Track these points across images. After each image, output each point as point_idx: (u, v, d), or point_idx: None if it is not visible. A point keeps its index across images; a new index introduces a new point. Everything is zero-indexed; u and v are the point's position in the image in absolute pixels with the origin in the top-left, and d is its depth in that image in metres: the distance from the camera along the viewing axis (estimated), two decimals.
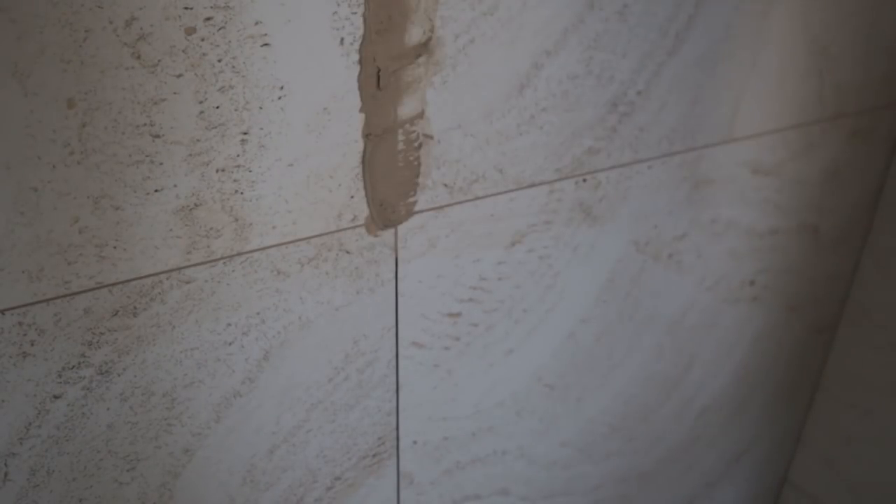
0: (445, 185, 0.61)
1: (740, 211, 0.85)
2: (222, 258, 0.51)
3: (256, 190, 0.51)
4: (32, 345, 0.45)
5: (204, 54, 0.46)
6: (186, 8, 0.44)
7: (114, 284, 0.47)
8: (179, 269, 0.50)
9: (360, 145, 0.55)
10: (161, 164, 0.46)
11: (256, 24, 0.47)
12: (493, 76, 0.59)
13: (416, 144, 0.57)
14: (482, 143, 0.61)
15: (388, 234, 0.60)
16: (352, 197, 0.56)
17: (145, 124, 0.45)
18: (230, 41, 0.46)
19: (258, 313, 0.55)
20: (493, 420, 0.76)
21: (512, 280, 0.69)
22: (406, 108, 0.56)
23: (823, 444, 1.16)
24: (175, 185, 0.47)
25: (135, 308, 0.49)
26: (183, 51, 0.45)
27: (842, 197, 0.96)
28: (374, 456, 0.68)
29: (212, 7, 0.45)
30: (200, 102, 0.47)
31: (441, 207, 0.61)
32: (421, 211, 0.60)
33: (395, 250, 0.61)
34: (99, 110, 0.43)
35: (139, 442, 0.52)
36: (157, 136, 0.45)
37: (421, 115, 0.56)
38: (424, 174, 0.59)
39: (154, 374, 0.51)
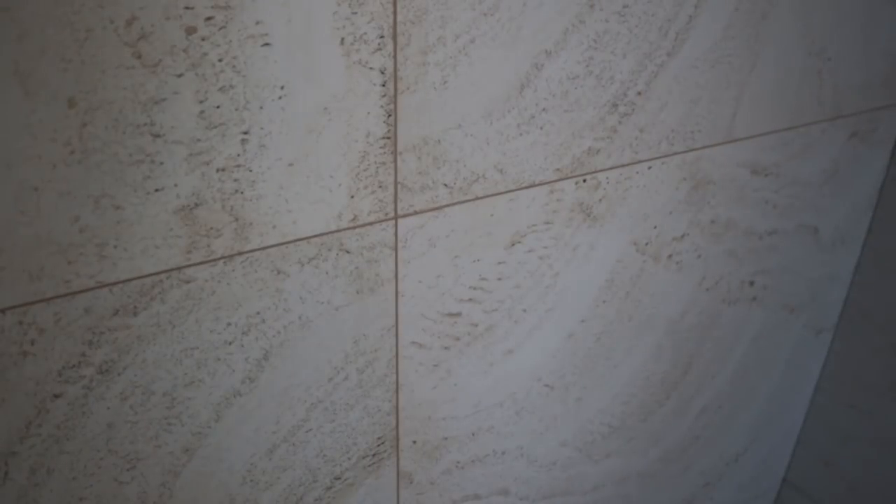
0: (445, 185, 0.61)
1: (740, 211, 0.85)
2: (222, 258, 0.51)
3: (257, 189, 0.51)
4: (33, 344, 0.45)
5: (205, 54, 0.46)
6: (187, 8, 0.44)
7: (114, 284, 0.47)
8: (180, 268, 0.50)
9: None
10: (161, 163, 0.46)
11: (257, 23, 0.47)
12: (493, 76, 0.59)
13: None
14: (482, 143, 0.61)
15: (388, 233, 0.60)
16: (352, 197, 0.56)
17: (146, 124, 0.45)
18: (231, 41, 0.47)
19: (258, 313, 0.55)
20: (492, 420, 0.76)
21: (512, 280, 0.69)
22: None
23: (822, 444, 1.16)
24: (175, 185, 0.47)
25: (135, 307, 0.49)
26: (184, 50, 0.45)
27: (841, 197, 0.96)
28: (373, 456, 0.68)
29: (212, 7, 0.45)
30: (201, 102, 0.47)
31: (441, 207, 0.61)
32: (421, 211, 0.61)
33: (396, 250, 0.61)
34: (100, 110, 0.43)
35: (139, 441, 0.53)
36: (158, 136, 0.46)
37: None
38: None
39: (154, 373, 0.51)
